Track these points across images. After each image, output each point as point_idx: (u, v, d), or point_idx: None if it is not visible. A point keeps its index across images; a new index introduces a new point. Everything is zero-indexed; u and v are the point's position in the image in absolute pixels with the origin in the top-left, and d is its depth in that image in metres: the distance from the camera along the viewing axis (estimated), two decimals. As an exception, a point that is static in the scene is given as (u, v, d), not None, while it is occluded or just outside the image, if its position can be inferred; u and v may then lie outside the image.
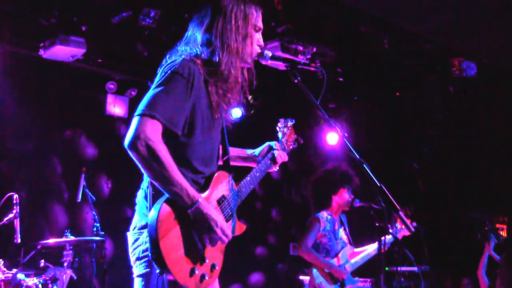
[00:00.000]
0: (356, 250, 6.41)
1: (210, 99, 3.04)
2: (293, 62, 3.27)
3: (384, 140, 10.29)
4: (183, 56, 3.01)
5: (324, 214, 6.32)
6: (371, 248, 6.36)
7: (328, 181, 6.48)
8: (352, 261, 6.27)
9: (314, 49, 7.62)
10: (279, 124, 3.90)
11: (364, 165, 2.85)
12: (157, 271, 2.75)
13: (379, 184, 2.79)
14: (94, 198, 6.66)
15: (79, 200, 6.67)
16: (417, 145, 10.41)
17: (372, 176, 2.82)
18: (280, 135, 3.87)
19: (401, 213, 2.77)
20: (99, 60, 7.98)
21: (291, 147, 3.91)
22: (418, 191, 10.48)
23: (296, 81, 3.21)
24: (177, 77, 2.88)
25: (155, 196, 2.84)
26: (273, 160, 3.64)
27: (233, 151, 3.57)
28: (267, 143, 3.75)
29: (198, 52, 3.07)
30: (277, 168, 3.70)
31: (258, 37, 3.26)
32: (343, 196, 6.37)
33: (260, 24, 3.25)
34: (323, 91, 3.29)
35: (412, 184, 10.51)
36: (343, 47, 8.00)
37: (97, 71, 8.24)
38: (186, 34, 3.21)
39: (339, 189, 6.39)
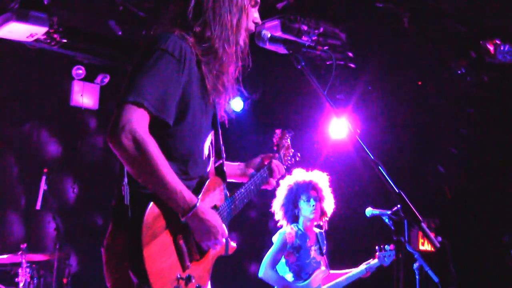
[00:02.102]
0: (334, 272, 6.42)
1: (203, 84, 3.06)
2: (296, 44, 3.29)
3: (404, 139, 10.30)
4: (171, 31, 3.02)
5: (293, 229, 6.33)
6: (354, 271, 6.41)
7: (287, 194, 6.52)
8: (325, 286, 6.30)
9: (321, 29, 7.64)
10: (275, 136, 3.97)
11: (379, 167, 2.86)
12: (134, 283, 2.74)
13: (397, 190, 2.81)
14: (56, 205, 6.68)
15: (39, 208, 6.68)
16: (443, 145, 10.44)
17: (389, 180, 2.83)
18: (276, 148, 3.94)
19: (423, 225, 2.79)
20: (64, 40, 7.97)
21: (288, 162, 4.00)
22: (445, 199, 10.51)
23: (299, 67, 3.23)
24: (166, 56, 2.88)
25: (136, 195, 2.84)
26: (270, 173, 3.70)
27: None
28: (261, 155, 3.80)
29: (188, 26, 3.08)
30: (274, 183, 3.76)
31: (255, 13, 3.29)
32: (304, 208, 6.38)
33: None
34: (331, 79, 3.31)
35: (437, 191, 10.53)
36: (355, 27, 8.02)
37: (62, 53, 8.25)
38: (171, 7, 3.21)
39: (297, 201, 6.42)
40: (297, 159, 4.10)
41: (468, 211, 10.31)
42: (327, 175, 6.59)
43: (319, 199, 6.37)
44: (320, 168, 6.71)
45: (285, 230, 6.30)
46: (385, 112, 10.07)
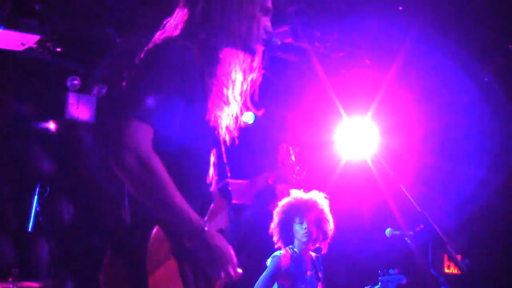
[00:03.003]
0: None
1: (206, 96, 3.05)
2: (308, 52, 3.30)
3: (429, 147, 10.25)
4: (174, 39, 3.04)
5: (288, 251, 6.31)
6: None
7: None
8: None
9: (335, 35, 7.64)
10: (279, 152, 4.00)
11: (400, 184, 2.86)
12: None
13: (420, 210, 2.80)
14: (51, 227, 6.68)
15: (31, 230, 6.69)
16: (471, 160, 10.37)
17: (411, 199, 2.83)
18: (281, 165, 3.97)
19: (449, 248, 2.79)
20: (58, 49, 8.02)
21: (293, 180, 4.01)
22: (473, 217, 10.45)
23: (312, 75, 3.24)
24: (169, 66, 2.88)
25: (139, 218, 2.85)
26: (274, 195, 3.74)
27: None
28: (265, 174, 3.83)
29: (193, 33, 3.09)
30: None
31: (266, 21, 3.29)
32: (297, 231, 6.37)
33: (269, 4, 3.29)
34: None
35: (465, 209, 10.47)
36: (373, 29, 7.99)
37: (56, 62, 8.28)
38: (176, 12, 3.23)
39: (291, 223, 6.41)
40: (303, 177, 4.10)
41: (497, 230, 10.23)
42: (336, 194, 6.58)
43: (314, 221, 6.34)
44: (333, 185, 6.68)
45: (279, 253, 6.27)
46: (407, 122, 10.01)
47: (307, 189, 6.35)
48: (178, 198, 2.79)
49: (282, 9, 7.25)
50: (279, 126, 9.91)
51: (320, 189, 6.49)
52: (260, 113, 3.42)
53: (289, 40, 7.22)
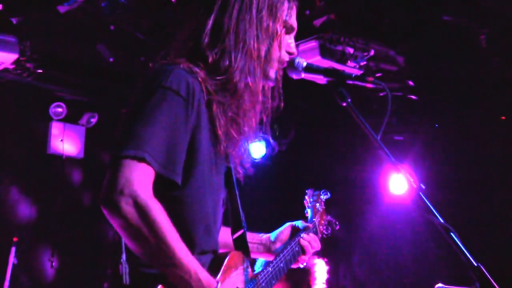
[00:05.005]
0: None
1: (215, 129, 3.04)
2: (339, 74, 3.30)
3: (485, 191, 10.20)
4: (176, 63, 3.03)
5: None
6: None
7: None
8: None
9: (372, 52, 7.65)
10: (306, 197, 3.99)
11: (451, 234, 2.86)
12: None
13: (475, 264, 2.80)
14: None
15: (8, 286, 6.70)
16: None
17: (464, 250, 2.82)
18: (309, 212, 3.96)
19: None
20: (39, 71, 8.05)
21: (324, 231, 4.00)
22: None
23: (344, 104, 3.23)
24: (170, 95, 2.88)
25: (138, 276, 2.84)
26: (302, 248, 3.71)
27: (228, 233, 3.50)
28: (288, 224, 3.80)
29: (200, 57, 3.09)
30: (307, 259, 3.76)
31: (289, 40, 3.29)
32: None
33: (293, 21, 3.29)
34: (386, 118, 3.30)
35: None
36: (417, 48, 8.03)
37: (37, 86, 8.32)
38: (179, 31, 3.23)
39: None
40: (336, 227, 4.08)
41: None
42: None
43: None
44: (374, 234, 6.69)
45: None
46: (458, 156, 9.99)
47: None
48: (183, 252, 2.77)
49: (308, 21, 7.28)
50: (305, 164, 9.91)
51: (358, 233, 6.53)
52: (281, 147, 3.43)
53: (316, 58, 7.24)
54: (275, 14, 3.20)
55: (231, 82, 3.08)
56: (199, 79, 3.00)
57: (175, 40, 3.24)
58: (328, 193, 4.01)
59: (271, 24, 3.18)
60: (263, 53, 3.16)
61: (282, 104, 3.35)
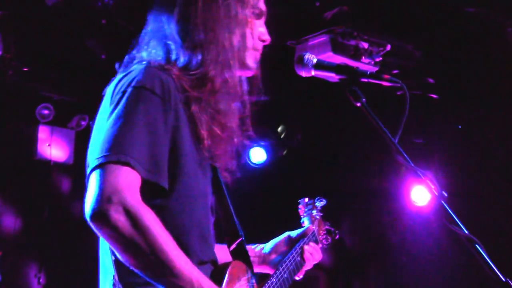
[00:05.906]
0: None
1: (196, 128, 3.06)
2: (352, 71, 3.28)
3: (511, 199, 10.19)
4: (145, 62, 3.07)
5: None
6: None
7: None
8: None
9: (388, 47, 7.67)
10: (300, 206, 4.08)
11: (477, 246, 2.84)
12: None
13: (503, 279, 2.78)
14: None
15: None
16: None
17: (491, 264, 2.80)
18: (306, 221, 4.02)
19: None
20: (25, 69, 8.07)
21: (324, 242, 4.06)
22: None
23: (358, 104, 3.22)
24: (145, 95, 2.90)
25: None
26: (303, 259, 3.75)
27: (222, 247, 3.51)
28: (286, 233, 3.85)
29: (170, 54, 3.14)
30: (308, 268, 3.82)
31: (260, 27, 3.32)
32: None
33: (261, 5, 3.33)
34: (403, 119, 3.28)
35: None
36: (437, 43, 8.03)
37: (22, 86, 8.34)
38: (144, 30, 3.31)
39: None
40: (335, 237, 4.12)
41: None
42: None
43: None
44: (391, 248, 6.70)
45: None
46: (483, 160, 9.97)
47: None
48: (183, 260, 2.77)
49: (318, 13, 7.28)
50: (305, 168, 9.91)
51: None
52: (285, 145, 3.45)
53: (327, 53, 7.25)
54: None
55: (206, 76, 3.11)
56: (173, 76, 3.04)
57: (143, 38, 3.29)
58: (324, 200, 4.06)
59: (239, 11, 3.21)
60: (235, 42, 3.19)
61: (262, 98, 3.40)
